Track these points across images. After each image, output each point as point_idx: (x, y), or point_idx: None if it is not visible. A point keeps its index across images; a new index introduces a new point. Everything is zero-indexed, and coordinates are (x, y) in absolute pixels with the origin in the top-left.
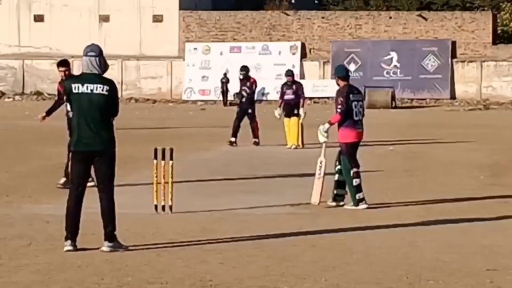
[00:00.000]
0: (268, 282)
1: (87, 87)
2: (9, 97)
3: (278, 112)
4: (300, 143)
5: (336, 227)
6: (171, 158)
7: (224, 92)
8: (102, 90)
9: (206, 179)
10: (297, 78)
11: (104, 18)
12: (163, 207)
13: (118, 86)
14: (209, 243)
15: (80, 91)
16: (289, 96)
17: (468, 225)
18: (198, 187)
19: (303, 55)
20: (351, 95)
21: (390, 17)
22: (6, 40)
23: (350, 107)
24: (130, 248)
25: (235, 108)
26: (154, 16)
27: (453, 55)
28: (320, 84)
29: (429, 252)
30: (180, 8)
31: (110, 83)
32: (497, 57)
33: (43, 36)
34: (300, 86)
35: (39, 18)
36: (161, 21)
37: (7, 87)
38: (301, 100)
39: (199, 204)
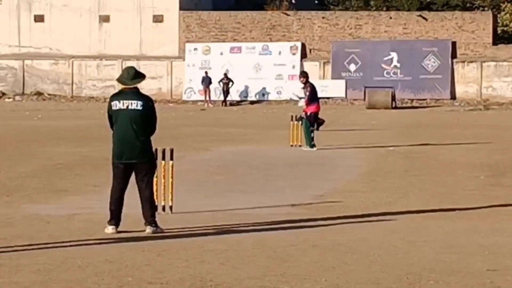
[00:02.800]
0: (268, 282)
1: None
2: (9, 97)
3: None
4: (299, 142)
5: (336, 227)
6: (171, 158)
7: (225, 92)
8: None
9: (206, 179)
10: (296, 79)
11: (104, 18)
12: (163, 207)
13: (118, 87)
14: (209, 243)
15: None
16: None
17: (468, 225)
18: (198, 187)
19: (303, 55)
20: None
21: (390, 17)
22: (6, 40)
23: None
24: (129, 248)
25: (235, 108)
26: (154, 16)
27: (453, 55)
28: (320, 84)
29: (429, 252)
30: (180, 8)
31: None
32: (497, 57)
33: (43, 36)
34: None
35: (39, 18)
36: (161, 21)
37: (7, 87)
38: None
39: (199, 204)
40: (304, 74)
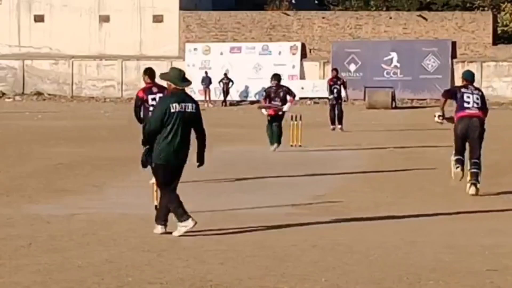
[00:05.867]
0: (268, 282)
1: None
2: (9, 98)
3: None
4: (299, 142)
5: (336, 227)
6: None
7: (225, 92)
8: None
9: (206, 179)
10: (296, 79)
11: (104, 18)
12: None
13: (118, 87)
14: (209, 243)
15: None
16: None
17: (468, 225)
18: (198, 187)
19: (303, 55)
20: None
21: (390, 17)
22: (6, 40)
23: None
24: (129, 248)
25: (235, 108)
26: (154, 16)
27: (453, 56)
28: (320, 84)
29: (429, 252)
30: (180, 8)
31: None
32: (497, 58)
33: (43, 36)
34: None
35: (39, 18)
36: (161, 21)
37: (7, 88)
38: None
39: (199, 204)
40: (276, 78)
